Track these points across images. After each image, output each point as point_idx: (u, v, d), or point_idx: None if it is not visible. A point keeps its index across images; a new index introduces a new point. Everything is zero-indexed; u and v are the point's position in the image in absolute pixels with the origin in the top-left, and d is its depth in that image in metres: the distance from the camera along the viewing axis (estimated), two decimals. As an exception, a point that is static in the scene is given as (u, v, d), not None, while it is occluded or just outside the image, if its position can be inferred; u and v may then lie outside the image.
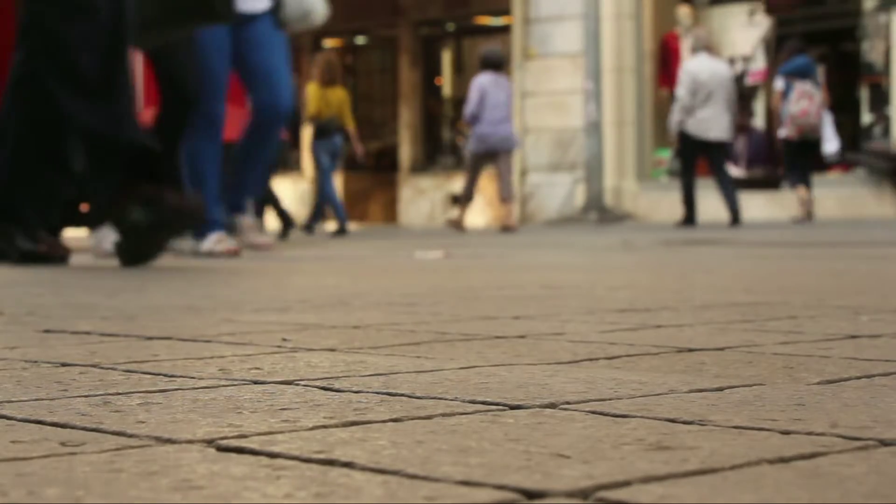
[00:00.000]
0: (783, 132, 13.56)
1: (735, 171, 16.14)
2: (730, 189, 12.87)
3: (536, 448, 1.09)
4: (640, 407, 1.32)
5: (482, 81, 13.13)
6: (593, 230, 12.67)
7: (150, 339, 2.16)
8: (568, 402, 1.36)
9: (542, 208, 17.42)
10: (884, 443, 1.10)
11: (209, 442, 1.14)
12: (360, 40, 21.84)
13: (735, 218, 12.79)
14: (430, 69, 20.55)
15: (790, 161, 13.80)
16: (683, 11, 16.84)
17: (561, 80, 17.19)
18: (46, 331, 2.34)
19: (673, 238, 9.23)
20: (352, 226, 18.02)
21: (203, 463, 1.04)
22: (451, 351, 1.91)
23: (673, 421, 1.23)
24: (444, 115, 20.55)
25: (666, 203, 15.71)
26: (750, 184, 15.82)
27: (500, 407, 1.34)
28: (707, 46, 13.05)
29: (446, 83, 20.72)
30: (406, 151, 20.18)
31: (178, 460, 1.05)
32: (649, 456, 1.05)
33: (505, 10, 18.35)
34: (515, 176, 15.49)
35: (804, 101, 13.29)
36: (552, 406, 1.34)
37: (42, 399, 1.44)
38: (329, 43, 20.94)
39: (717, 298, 3.00)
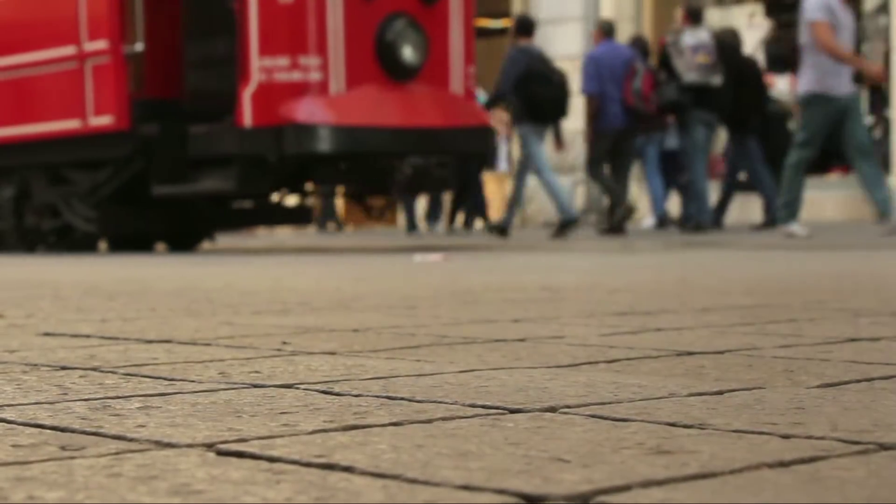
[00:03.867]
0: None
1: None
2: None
3: (536, 452, 1.09)
4: (640, 411, 1.32)
5: None
6: (593, 233, 12.67)
7: (149, 342, 2.16)
8: (568, 406, 1.36)
9: (541, 210, 17.41)
10: (884, 447, 1.10)
11: (209, 446, 1.14)
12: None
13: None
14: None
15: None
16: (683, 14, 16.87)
17: (560, 83, 17.17)
18: (46, 334, 2.34)
19: (672, 241, 9.23)
20: (349, 228, 18.00)
21: (203, 467, 1.04)
22: (451, 354, 1.91)
23: (673, 425, 1.23)
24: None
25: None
26: (750, 186, 15.81)
27: (500, 411, 1.34)
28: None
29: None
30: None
31: (177, 464, 1.05)
32: (649, 460, 1.05)
33: (505, 13, 18.35)
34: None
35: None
36: (552, 410, 1.34)
37: (42, 403, 1.44)
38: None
39: (717, 301, 3.00)
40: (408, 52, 8.72)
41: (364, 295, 3.43)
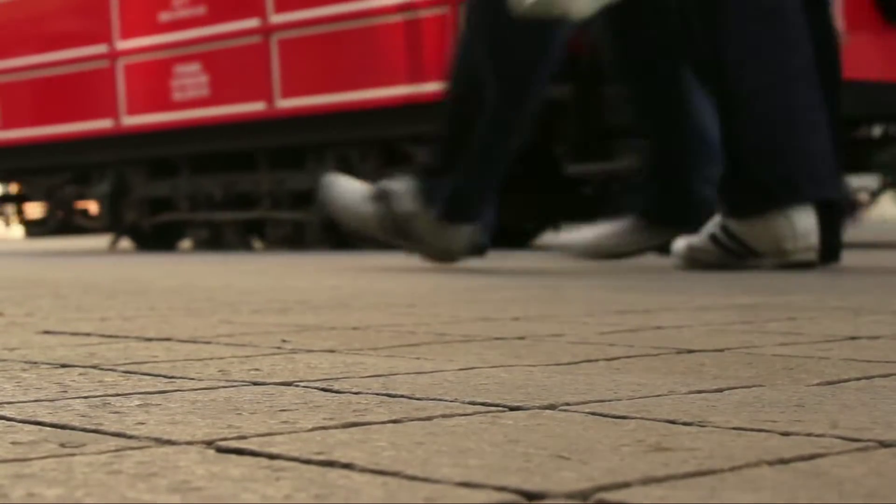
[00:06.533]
0: None
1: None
2: None
3: (535, 449, 1.09)
4: (640, 408, 1.32)
5: None
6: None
7: (149, 340, 2.16)
8: (567, 404, 1.36)
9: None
10: (883, 444, 1.10)
11: (208, 443, 1.14)
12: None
13: None
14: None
15: None
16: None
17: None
18: (46, 332, 2.34)
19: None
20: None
21: (202, 464, 1.04)
22: (451, 352, 1.91)
23: (672, 422, 1.23)
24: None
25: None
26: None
27: (500, 408, 1.34)
28: None
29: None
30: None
31: (177, 461, 1.05)
32: (648, 457, 1.05)
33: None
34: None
35: None
36: (551, 407, 1.34)
37: (41, 400, 1.44)
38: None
39: (716, 299, 3.00)
40: None
41: (364, 293, 3.43)
